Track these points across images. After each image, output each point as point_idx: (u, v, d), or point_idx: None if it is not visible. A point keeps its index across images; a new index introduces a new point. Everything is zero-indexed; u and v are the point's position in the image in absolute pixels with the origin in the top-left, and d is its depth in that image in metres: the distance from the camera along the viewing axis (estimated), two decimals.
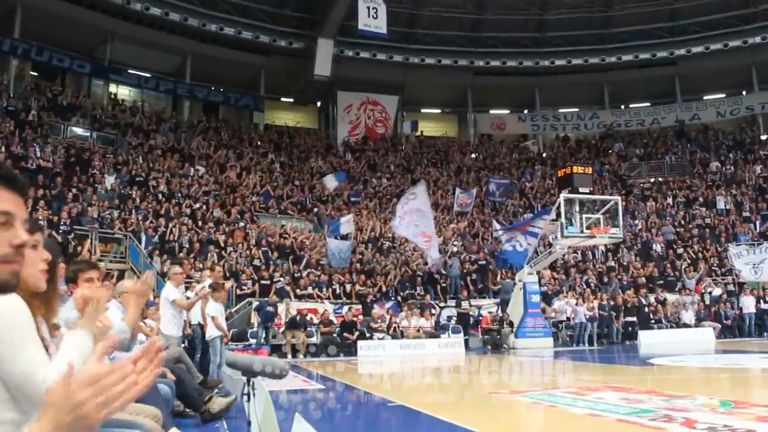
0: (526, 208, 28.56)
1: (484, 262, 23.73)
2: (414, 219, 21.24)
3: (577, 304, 20.79)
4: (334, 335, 18.21)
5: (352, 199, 27.24)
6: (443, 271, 22.85)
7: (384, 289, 21.50)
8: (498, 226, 23.95)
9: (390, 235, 24.70)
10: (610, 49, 33.68)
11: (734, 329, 21.80)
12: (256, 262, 20.57)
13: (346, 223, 22.90)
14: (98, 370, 1.20)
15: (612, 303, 21.28)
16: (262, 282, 19.62)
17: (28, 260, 1.71)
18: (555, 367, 14.92)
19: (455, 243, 24.59)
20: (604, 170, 31.83)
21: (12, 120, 22.29)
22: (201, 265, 17.51)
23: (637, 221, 27.72)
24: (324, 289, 20.49)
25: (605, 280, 23.84)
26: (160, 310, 8.92)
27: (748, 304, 22.01)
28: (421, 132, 35.88)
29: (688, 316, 21.53)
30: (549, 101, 36.18)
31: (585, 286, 23.16)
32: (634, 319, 21.24)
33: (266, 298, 18.22)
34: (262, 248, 21.37)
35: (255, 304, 18.45)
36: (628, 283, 23.55)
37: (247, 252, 20.99)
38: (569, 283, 23.35)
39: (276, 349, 17.10)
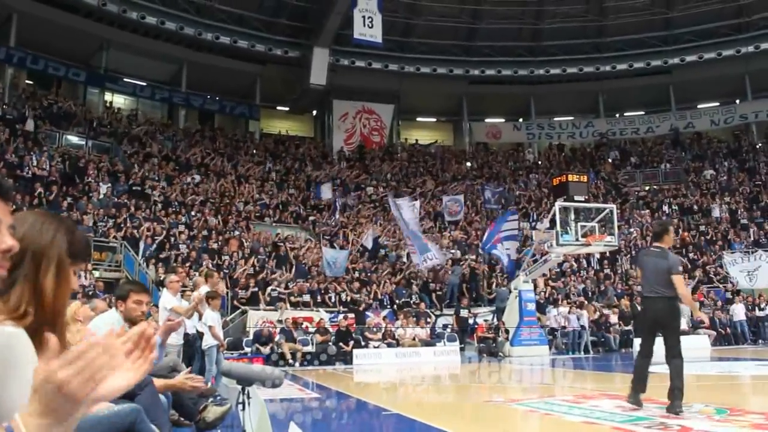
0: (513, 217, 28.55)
1: (478, 271, 23.80)
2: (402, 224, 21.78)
3: (570, 312, 20.79)
4: (330, 344, 18.16)
5: (350, 203, 27.33)
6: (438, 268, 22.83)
7: (379, 296, 21.49)
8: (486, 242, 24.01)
9: (385, 243, 24.75)
10: (604, 58, 33.83)
11: (729, 337, 21.81)
12: (251, 271, 20.53)
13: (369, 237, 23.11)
14: (79, 347, 1.18)
15: (606, 312, 21.26)
16: (257, 290, 19.61)
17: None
18: (550, 375, 14.92)
19: (452, 251, 24.64)
20: (599, 178, 31.92)
21: (7, 128, 22.26)
22: (197, 274, 17.49)
23: (632, 229, 27.77)
24: (319, 297, 20.47)
25: (601, 288, 23.88)
26: (160, 319, 8.91)
27: (738, 311, 22.03)
28: (416, 140, 35.96)
29: (681, 324, 21.52)
30: (544, 110, 36.32)
31: (579, 295, 23.20)
32: (630, 327, 21.21)
33: (261, 327, 17.98)
34: (258, 256, 21.35)
35: (254, 330, 18.20)
36: (623, 291, 23.58)
37: (243, 260, 20.96)
38: (565, 291, 23.37)
39: (271, 358, 17.03)
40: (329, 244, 23.30)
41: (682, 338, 21.60)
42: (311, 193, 27.66)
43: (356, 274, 22.13)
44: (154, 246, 19.82)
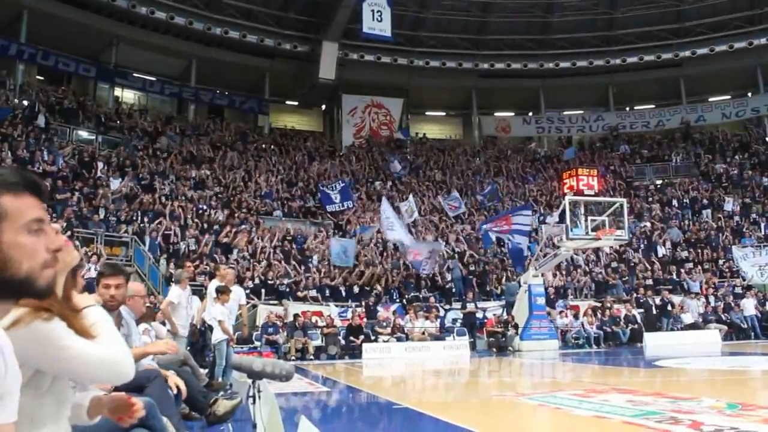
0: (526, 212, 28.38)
1: (486, 264, 23.80)
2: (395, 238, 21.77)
3: (561, 316, 20.93)
4: (338, 338, 18.21)
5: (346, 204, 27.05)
6: (437, 274, 22.82)
7: (389, 287, 21.51)
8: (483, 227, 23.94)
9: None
10: (614, 51, 33.62)
11: (740, 331, 21.69)
12: (262, 265, 20.58)
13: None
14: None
15: (610, 315, 21.18)
16: (268, 283, 19.70)
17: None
18: (560, 369, 14.89)
19: (459, 245, 24.64)
20: (609, 172, 31.73)
21: (18, 124, 22.37)
22: (207, 268, 17.58)
23: (642, 223, 27.61)
24: (328, 292, 20.51)
25: (611, 282, 23.79)
26: (174, 313, 9.02)
27: (749, 306, 21.89)
28: (424, 134, 35.87)
29: (687, 318, 21.42)
30: (554, 103, 36.16)
31: (590, 289, 23.20)
32: (639, 321, 21.14)
33: (268, 321, 18.01)
34: (267, 251, 21.40)
35: (262, 322, 18.24)
36: (633, 286, 23.49)
37: (252, 255, 21.03)
38: (574, 285, 23.32)
39: (281, 352, 17.09)
40: (338, 235, 23.48)
41: (693, 333, 21.40)
42: (321, 188, 27.59)
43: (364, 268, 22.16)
44: (161, 240, 19.88)
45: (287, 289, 19.93)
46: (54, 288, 1.53)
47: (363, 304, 20.08)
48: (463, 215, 27.39)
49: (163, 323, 8.99)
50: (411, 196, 25.80)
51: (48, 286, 1.48)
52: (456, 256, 23.78)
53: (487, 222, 23.52)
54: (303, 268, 21.46)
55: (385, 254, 23.58)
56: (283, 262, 21.28)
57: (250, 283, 19.41)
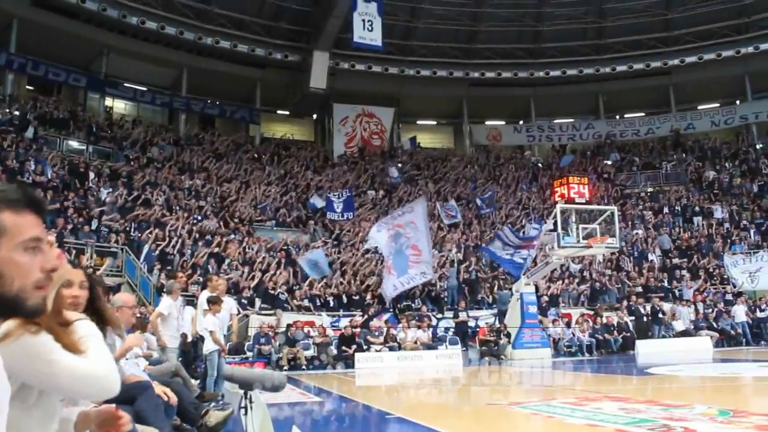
0: (518, 219, 28.48)
1: (478, 272, 23.79)
2: (406, 231, 21.24)
3: (570, 324, 20.88)
4: (331, 347, 18.13)
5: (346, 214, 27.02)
6: (439, 283, 22.82)
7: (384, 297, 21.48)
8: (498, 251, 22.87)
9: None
10: (604, 60, 33.84)
11: (731, 338, 21.76)
12: (267, 274, 20.52)
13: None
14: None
15: (604, 321, 21.17)
16: (269, 292, 19.67)
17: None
18: (553, 377, 14.89)
19: (455, 254, 24.62)
20: (601, 180, 31.84)
21: (8, 134, 22.26)
22: (200, 279, 17.52)
23: (633, 231, 27.71)
24: (318, 302, 20.45)
25: (603, 289, 23.83)
26: (162, 324, 8.97)
27: (740, 313, 21.97)
28: (418, 144, 35.91)
29: (678, 325, 21.47)
30: (544, 112, 36.30)
31: (587, 297, 23.25)
32: (631, 328, 21.17)
33: (260, 331, 17.90)
34: (259, 261, 21.35)
35: (253, 332, 18.14)
36: (625, 293, 23.53)
37: (246, 264, 20.96)
38: (569, 293, 23.34)
39: (273, 362, 17.01)
40: (331, 245, 23.45)
41: (685, 340, 21.45)
42: (312, 196, 27.55)
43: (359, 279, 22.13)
44: (153, 251, 19.79)
45: (284, 298, 19.88)
46: (44, 309, 1.52)
47: (365, 313, 20.02)
48: (458, 223, 27.38)
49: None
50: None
51: (38, 307, 1.47)
52: (455, 264, 23.72)
53: (516, 247, 22.46)
54: (295, 277, 21.42)
55: (381, 263, 23.56)
56: (283, 270, 21.22)
57: (247, 293, 19.38)
